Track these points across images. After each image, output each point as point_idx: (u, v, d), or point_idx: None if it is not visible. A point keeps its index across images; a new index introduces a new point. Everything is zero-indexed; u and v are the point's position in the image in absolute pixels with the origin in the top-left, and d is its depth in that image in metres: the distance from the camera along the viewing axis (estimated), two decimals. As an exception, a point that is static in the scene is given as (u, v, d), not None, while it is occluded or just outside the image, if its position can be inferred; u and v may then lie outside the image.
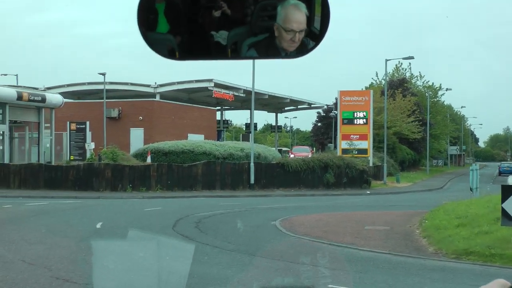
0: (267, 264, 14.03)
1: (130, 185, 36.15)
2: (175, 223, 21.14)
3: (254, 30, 2.50)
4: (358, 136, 53.36)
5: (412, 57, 54.35)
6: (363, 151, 52.43)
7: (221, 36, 2.50)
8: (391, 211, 27.53)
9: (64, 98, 57.64)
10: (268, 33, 2.49)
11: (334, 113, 71.67)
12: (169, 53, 2.55)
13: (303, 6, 2.46)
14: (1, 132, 40.21)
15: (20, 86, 51.20)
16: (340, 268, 13.92)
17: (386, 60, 53.15)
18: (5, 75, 67.52)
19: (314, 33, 2.51)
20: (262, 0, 2.47)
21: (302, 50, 2.53)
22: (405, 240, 18.45)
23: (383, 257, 15.41)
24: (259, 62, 56.39)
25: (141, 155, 41.67)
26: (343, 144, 53.18)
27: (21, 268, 12.64)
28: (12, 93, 40.53)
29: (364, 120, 54.26)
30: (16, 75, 73.07)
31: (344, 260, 14.67)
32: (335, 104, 74.37)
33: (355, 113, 54.50)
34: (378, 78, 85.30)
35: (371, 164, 50.79)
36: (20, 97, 40.81)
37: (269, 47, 2.51)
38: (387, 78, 68.30)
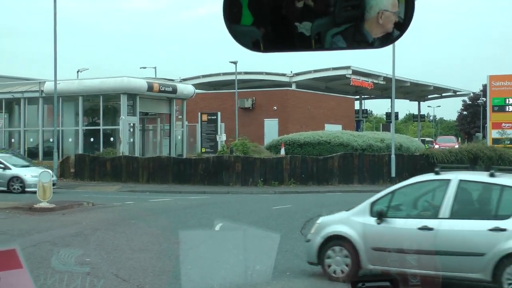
0: None
1: (262, 179, 34.09)
2: (304, 225, 18.68)
3: (337, 21, 2.53)
4: (510, 125, 49.17)
5: None
6: (517, 141, 48.14)
7: (305, 27, 2.55)
8: None
9: (201, 89, 57.00)
10: (352, 22, 2.52)
11: (482, 100, 67.15)
12: (254, 46, 2.61)
13: None
14: (132, 124, 39.36)
15: (155, 78, 50.63)
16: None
17: (542, 41, 48.36)
18: (144, 68, 67.71)
19: (399, 22, 2.53)
20: None
21: (388, 39, 2.56)
22: None
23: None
24: (399, 46, 52.86)
25: (275, 147, 39.65)
26: (493, 134, 49.21)
27: (110, 285, 10.60)
28: (142, 84, 39.57)
29: (517, 106, 49.96)
30: (155, 67, 73.43)
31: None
32: (483, 90, 69.87)
33: (507, 100, 50.25)
34: (531, 62, 79.49)
35: (525, 155, 46.35)
36: (150, 88, 39.81)
37: (356, 36, 2.53)
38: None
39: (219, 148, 40.54)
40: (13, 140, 43.10)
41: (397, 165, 36.26)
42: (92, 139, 40.57)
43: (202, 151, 42.91)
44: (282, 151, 37.60)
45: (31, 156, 40.14)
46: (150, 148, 44.73)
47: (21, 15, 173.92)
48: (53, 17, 35.98)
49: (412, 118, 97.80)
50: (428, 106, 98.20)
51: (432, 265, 10.45)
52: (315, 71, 57.07)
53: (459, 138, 78.08)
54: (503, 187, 10.80)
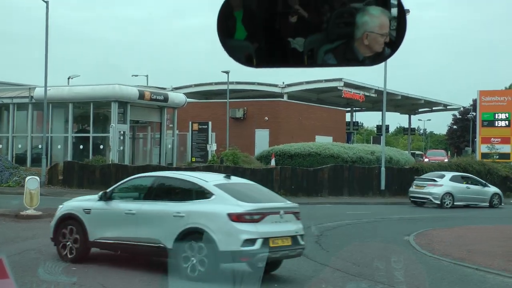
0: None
1: (252, 190, 33.92)
2: (293, 236, 18.59)
3: (330, 37, 2.55)
4: (499, 140, 49.36)
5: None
6: (505, 156, 48.26)
7: (298, 43, 2.57)
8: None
9: (192, 98, 56.84)
10: (344, 39, 2.54)
11: (472, 114, 67.35)
12: (247, 60, 2.64)
13: (387, 13, 2.53)
14: (122, 132, 39.16)
15: (146, 86, 50.48)
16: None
17: (533, 57, 48.56)
18: (136, 75, 67.63)
19: (391, 41, 2.55)
20: (339, 7, 2.52)
21: (379, 57, 2.58)
22: None
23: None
24: (392, 60, 53.13)
25: (265, 158, 39.58)
26: (482, 148, 49.33)
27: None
28: (133, 92, 39.40)
29: (507, 122, 50.15)
30: (147, 76, 73.40)
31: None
32: (473, 105, 70.04)
33: (497, 115, 50.41)
34: (520, 78, 79.80)
35: (514, 170, 46.37)
36: (142, 96, 39.63)
37: (347, 53, 2.55)
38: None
39: (209, 157, 40.40)
40: (0, 146, 42.78)
41: (386, 177, 36.27)
42: (81, 147, 40.31)
43: (192, 160, 42.76)
44: (273, 162, 37.53)
45: (19, 162, 39.87)
46: (140, 157, 44.49)
47: (12, 21, 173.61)
48: (45, 23, 35.89)
49: (402, 131, 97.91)
50: (419, 120, 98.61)
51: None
52: (307, 82, 57.06)
53: (449, 152, 78.17)
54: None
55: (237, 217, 11.74)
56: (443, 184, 32.31)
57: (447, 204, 32.09)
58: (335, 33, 2.54)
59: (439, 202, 32.02)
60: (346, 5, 2.56)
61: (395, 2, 2.57)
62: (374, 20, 2.51)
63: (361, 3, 2.55)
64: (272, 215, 12.18)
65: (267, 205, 12.43)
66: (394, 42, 2.56)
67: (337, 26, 2.54)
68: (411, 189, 33.52)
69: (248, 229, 11.68)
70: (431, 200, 32.25)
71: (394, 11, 2.55)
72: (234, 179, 13.66)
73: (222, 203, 12.02)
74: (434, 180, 32.53)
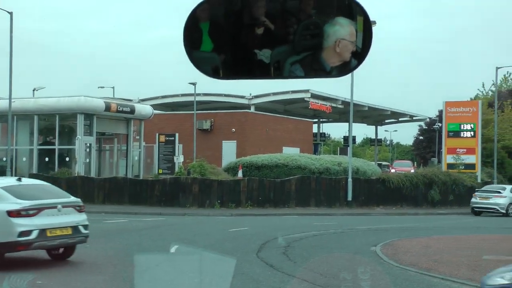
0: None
1: (219, 201, 33.90)
2: (260, 248, 18.61)
3: (297, 49, 2.58)
4: (465, 150, 49.62)
5: (526, 65, 50.02)
6: (471, 166, 48.53)
7: (264, 55, 2.59)
8: (510, 235, 24.06)
9: (159, 110, 56.63)
10: (311, 51, 2.58)
11: (438, 125, 67.90)
12: (213, 72, 2.64)
13: (354, 24, 2.56)
14: (88, 144, 38.84)
15: (113, 98, 50.15)
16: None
17: (497, 68, 49.34)
18: (102, 87, 66.99)
19: (357, 52, 2.57)
20: (305, 19, 2.56)
21: (346, 68, 2.60)
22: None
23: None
24: (359, 71, 53.39)
25: (232, 169, 39.54)
26: (448, 159, 49.57)
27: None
28: (99, 103, 39.13)
29: (472, 132, 50.48)
30: (113, 87, 72.84)
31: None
32: (439, 116, 70.65)
33: (462, 125, 50.78)
34: (484, 89, 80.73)
35: (479, 180, 46.89)
36: (108, 108, 39.38)
37: (314, 65, 2.59)
38: (495, 88, 63.86)
39: (177, 169, 40.20)
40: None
41: (354, 188, 36.42)
42: (47, 159, 39.88)
43: (159, 172, 42.54)
44: (240, 174, 37.51)
45: (-17, 175, 39.29)
46: (106, 169, 44.13)
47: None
48: (9, 34, 35.54)
49: (369, 142, 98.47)
50: (385, 131, 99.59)
51: None
52: (274, 94, 57.17)
53: (415, 162, 78.66)
54: None
55: (14, 213, 13.63)
56: (507, 195, 35.56)
57: (510, 213, 35.23)
58: (301, 44, 2.56)
59: (504, 212, 35.03)
60: (312, 17, 2.58)
61: (361, 14, 2.60)
62: (345, 28, 2.55)
63: (327, 15, 2.58)
64: (49, 209, 14.17)
65: (44, 201, 14.28)
66: (360, 53, 2.59)
67: (303, 37, 2.56)
68: (473, 200, 36.37)
69: (24, 223, 13.64)
70: (497, 210, 35.22)
71: (360, 22, 2.58)
72: (25, 181, 15.72)
73: (3, 202, 13.82)
74: (499, 192, 35.90)
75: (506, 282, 9.37)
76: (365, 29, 2.58)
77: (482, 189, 37.25)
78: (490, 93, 77.28)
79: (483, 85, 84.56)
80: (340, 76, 2.64)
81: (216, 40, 2.59)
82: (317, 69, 2.60)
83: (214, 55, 2.61)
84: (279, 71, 2.60)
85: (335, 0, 2.62)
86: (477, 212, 36.02)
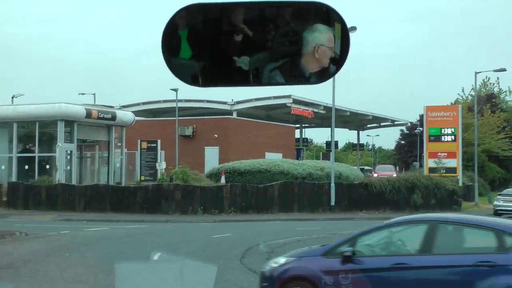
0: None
1: (201, 208, 33.72)
2: (244, 254, 18.48)
3: (275, 55, 2.58)
4: (446, 154, 49.89)
5: (504, 69, 50.15)
6: (452, 170, 48.76)
7: (243, 62, 2.58)
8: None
9: (141, 116, 56.36)
10: (290, 57, 2.57)
11: (419, 129, 68.19)
12: (192, 80, 2.64)
13: (332, 30, 2.58)
14: (69, 152, 38.51)
15: (94, 105, 49.84)
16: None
17: (476, 73, 49.50)
18: (83, 94, 66.59)
19: (335, 58, 2.59)
20: (283, 26, 2.56)
21: (325, 75, 2.61)
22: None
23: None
24: (340, 76, 53.47)
25: (215, 175, 39.39)
26: (430, 163, 49.79)
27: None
28: (80, 110, 38.84)
29: (453, 136, 50.81)
30: (94, 94, 72.44)
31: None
32: (420, 120, 70.96)
33: (443, 130, 51.10)
34: (464, 94, 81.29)
35: (460, 184, 47.08)
36: (89, 115, 39.09)
37: (293, 71, 2.59)
38: (474, 93, 64.30)
39: (159, 176, 40.00)
40: None
41: (336, 193, 36.36)
42: (27, 167, 39.50)
43: (141, 179, 42.28)
44: (223, 179, 37.36)
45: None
46: (88, 176, 43.80)
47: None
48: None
49: (351, 147, 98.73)
50: (367, 135, 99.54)
51: None
52: (256, 99, 57.11)
53: (397, 167, 78.88)
54: None
55: None
56: None
57: None
58: (280, 51, 2.57)
59: None
60: (291, 24, 2.59)
61: (339, 21, 2.61)
62: (323, 34, 2.57)
63: (306, 22, 2.59)
64: None
65: None
66: (338, 59, 2.61)
67: (282, 44, 2.57)
68: (496, 202, 37.59)
69: None
70: None
71: (338, 29, 2.60)
72: None
73: None
74: None
75: (275, 265, 11.07)
76: (343, 36, 2.60)
77: (504, 193, 38.63)
78: (470, 97, 77.76)
79: (462, 89, 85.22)
80: (319, 82, 2.64)
81: (195, 48, 2.59)
82: (296, 76, 2.61)
83: (192, 62, 2.60)
84: (258, 78, 2.60)
85: (313, 7, 2.62)
86: (500, 214, 36.50)
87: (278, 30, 2.58)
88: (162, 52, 2.61)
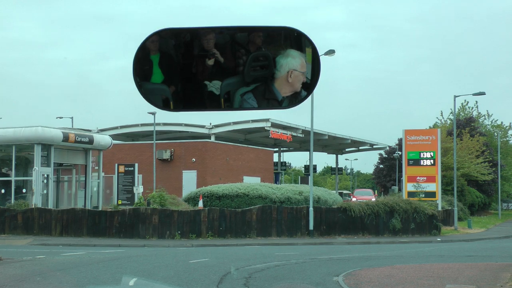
0: None
1: (179, 232, 33.46)
2: (221, 279, 18.24)
3: (247, 79, 2.57)
4: (425, 178, 49.94)
5: (483, 93, 50.53)
6: (431, 194, 48.87)
7: (215, 86, 2.56)
8: (471, 263, 24.05)
9: (118, 140, 56.07)
10: (260, 82, 2.57)
11: (398, 153, 68.46)
12: (164, 104, 2.61)
13: (303, 55, 2.59)
14: (46, 175, 38.13)
15: (71, 128, 49.53)
16: None
17: (455, 96, 49.86)
18: (61, 118, 66.27)
19: (307, 83, 2.61)
20: (254, 51, 2.56)
21: (296, 99, 2.62)
22: (498, 303, 15.09)
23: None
24: (318, 100, 53.59)
25: (193, 199, 39.14)
26: (409, 187, 49.81)
27: None
28: (57, 134, 38.53)
29: (432, 160, 50.85)
30: (71, 117, 72.08)
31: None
32: (398, 144, 71.30)
33: (422, 154, 51.14)
34: (443, 117, 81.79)
35: (439, 208, 47.19)
36: (66, 138, 38.79)
37: (266, 94, 2.58)
38: (453, 117, 64.75)
39: (136, 200, 39.70)
40: None
41: (315, 218, 36.26)
42: (3, 191, 39.06)
43: (119, 203, 41.99)
44: (200, 204, 37.15)
45: None
46: (64, 200, 43.40)
47: None
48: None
49: (330, 170, 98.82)
50: (346, 159, 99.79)
51: None
52: (234, 123, 57.11)
53: (376, 191, 79.06)
54: None
55: None
56: None
57: None
58: (251, 76, 2.57)
59: None
60: (262, 48, 2.60)
61: (309, 45, 2.63)
62: (296, 59, 2.58)
63: (277, 47, 2.60)
64: None
65: None
66: (309, 84, 2.62)
67: (253, 69, 2.57)
68: None
69: None
70: None
71: (309, 54, 2.62)
72: None
73: None
74: None
75: None
76: (314, 60, 2.62)
77: None
78: (449, 121, 78.32)
79: (441, 113, 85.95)
80: (290, 107, 2.63)
81: (166, 72, 2.58)
82: (269, 100, 2.60)
83: (164, 86, 2.59)
84: (230, 103, 2.60)
85: (283, 32, 2.63)
86: None
87: (249, 55, 2.58)
88: (133, 76, 2.59)
